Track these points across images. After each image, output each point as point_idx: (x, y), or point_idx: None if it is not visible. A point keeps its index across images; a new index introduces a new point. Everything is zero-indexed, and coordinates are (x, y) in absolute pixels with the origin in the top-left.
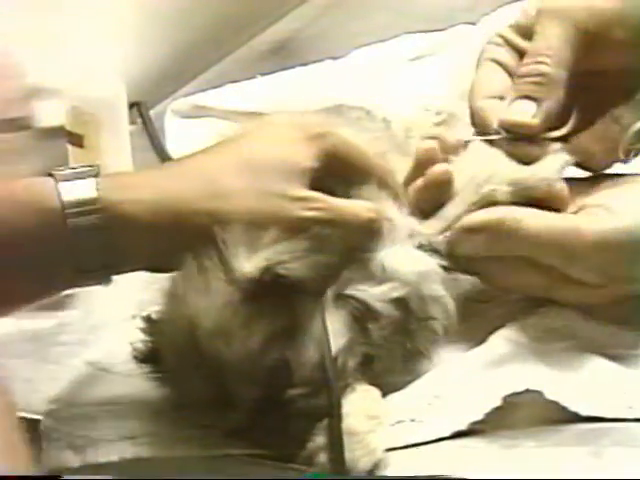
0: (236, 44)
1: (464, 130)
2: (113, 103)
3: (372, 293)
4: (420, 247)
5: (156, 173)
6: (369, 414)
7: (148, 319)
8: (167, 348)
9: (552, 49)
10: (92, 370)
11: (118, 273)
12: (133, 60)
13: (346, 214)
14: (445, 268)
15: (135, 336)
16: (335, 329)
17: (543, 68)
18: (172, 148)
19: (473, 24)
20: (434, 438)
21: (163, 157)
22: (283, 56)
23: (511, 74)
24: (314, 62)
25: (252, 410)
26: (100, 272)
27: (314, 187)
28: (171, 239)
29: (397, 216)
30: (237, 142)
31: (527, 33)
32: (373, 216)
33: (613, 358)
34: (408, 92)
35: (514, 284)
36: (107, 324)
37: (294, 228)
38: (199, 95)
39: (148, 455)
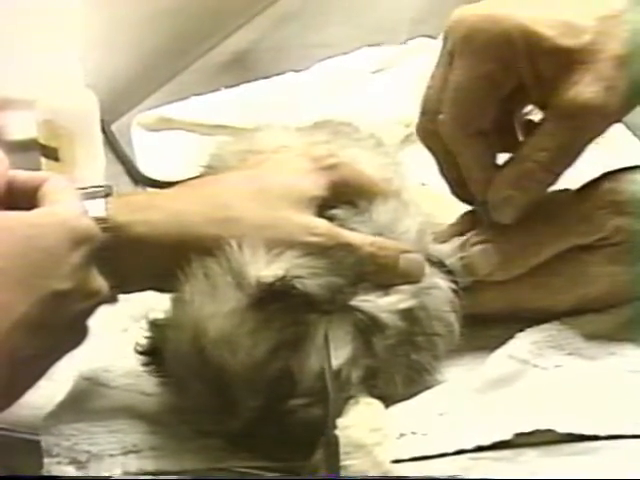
0: (195, 56)
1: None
2: (87, 116)
3: (378, 304)
4: (432, 264)
5: (166, 195)
6: (373, 426)
7: (153, 324)
8: (171, 352)
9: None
10: (87, 385)
11: (124, 292)
12: (94, 73)
13: (347, 244)
14: (454, 290)
15: (129, 349)
16: (339, 341)
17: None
18: (140, 161)
19: (432, 37)
20: (439, 453)
21: (131, 170)
22: (242, 68)
23: (496, 94)
24: (276, 74)
25: (253, 418)
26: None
27: (325, 215)
28: (178, 260)
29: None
30: (251, 170)
31: (539, 58)
32: (374, 251)
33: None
34: (373, 104)
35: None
36: (99, 338)
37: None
38: (165, 108)
39: (152, 469)
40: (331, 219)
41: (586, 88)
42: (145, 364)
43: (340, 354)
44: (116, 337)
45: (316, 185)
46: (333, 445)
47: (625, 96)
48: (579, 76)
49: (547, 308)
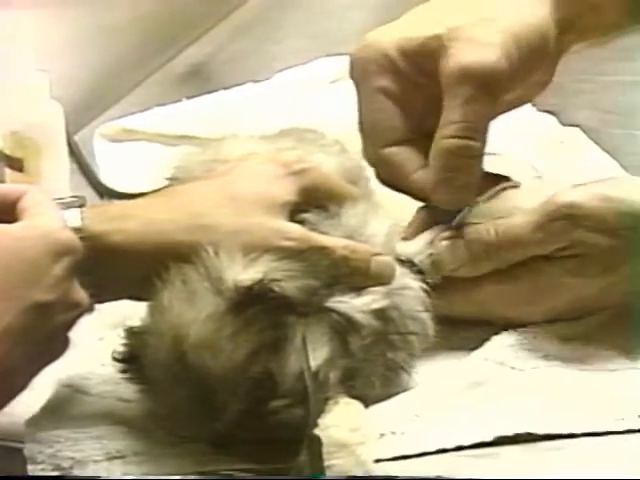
0: (154, 68)
1: None
2: (52, 127)
3: (353, 305)
4: (402, 263)
5: (140, 205)
6: (355, 426)
7: (130, 331)
8: (150, 359)
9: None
10: (67, 392)
11: (101, 302)
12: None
13: (321, 248)
14: (425, 290)
15: (106, 357)
16: (316, 342)
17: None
18: (103, 172)
19: None
20: (419, 452)
21: (94, 182)
22: (200, 79)
23: (401, 107)
24: (236, 85)
25: (235, 421)
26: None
27: (296, 219)
28: (154, 269)
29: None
30: (221, 178)
31: (414, 59)
32: (347, 254)
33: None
34: (332, 113)
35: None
36: (76, 346)
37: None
38: (127, 119)
39: (137, 474)
40: (302, 223)
41: (461, 55)
42: (123, 371)
43: (318, 355)
44: (93, 345)
45: (287, 190)
46: (316, 445)
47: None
48: (453, 49)
49: (516, 318)
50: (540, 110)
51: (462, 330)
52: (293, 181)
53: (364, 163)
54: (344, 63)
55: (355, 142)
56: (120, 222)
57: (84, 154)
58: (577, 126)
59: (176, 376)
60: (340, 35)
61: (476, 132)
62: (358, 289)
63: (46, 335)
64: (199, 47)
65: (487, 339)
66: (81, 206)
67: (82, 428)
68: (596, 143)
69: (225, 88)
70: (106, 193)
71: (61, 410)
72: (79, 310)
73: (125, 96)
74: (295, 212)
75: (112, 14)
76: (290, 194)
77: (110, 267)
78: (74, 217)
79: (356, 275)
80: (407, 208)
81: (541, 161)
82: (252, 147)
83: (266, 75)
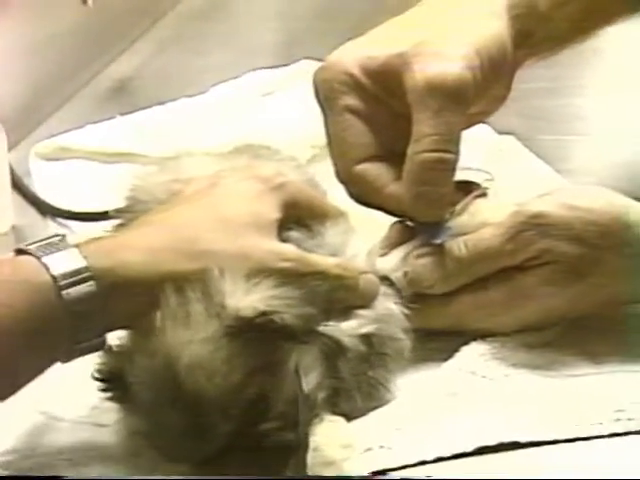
0: (80, 84)
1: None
2: None
3: (341, 329)
4: (381, 280)
5: (134, 235)
6: (343, 443)
7: (110, 351)
8: (139, 377)
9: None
10: (43, 419)
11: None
12: None
13: (316, 268)
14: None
15: (79, 382)
16: (308, 366)
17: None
18: (41, 191)
19: (318, 59)
20: (401, 465)
21: (36, 202)
22: (128, 94)
23: (369, 124)
24: (170, 100)
25: (224, 442)
26: (96, 339)
27: (281, 237)
28: (156, 298)
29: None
30: (206, 197)
31: (378, 77)
32: (341, 272)
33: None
34: (270, 126)
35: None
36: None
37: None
38: (62, 136)
39: None
40: (286, 241)
41: (427, 69)
42: (104, 390)
43: (310, 379)
44: (65, 370)
45: (272, 207)
46: (301, 464)
47: (468, 63)
48: (417, 65)
49: (488, 328)
50: None
51: (431, 342)
52: (275, 196)
53: (316, 179)
54: (273, 76)
55: (303, 156)
56: (122, 255)
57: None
58: (511, 134)
59: (167, 396)
60: (264, 47)
61: (449, 143)
62: (345, 313)
63: None
64: (125, 61)
65: (457, 350)
66: (65, 244)
67: (59, 455)
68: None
69: (160, 103)
70: (50, 212)
71: (38, 437)
72: None
73: (54, 113)
74: (280, 230)
75: (37, 28)
76: (275, 211)
77: (117, 301)
78: (75, 258)
79: (346, 294)
80: (372, 224)
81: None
82: (212, 165)
83: (195, 89)
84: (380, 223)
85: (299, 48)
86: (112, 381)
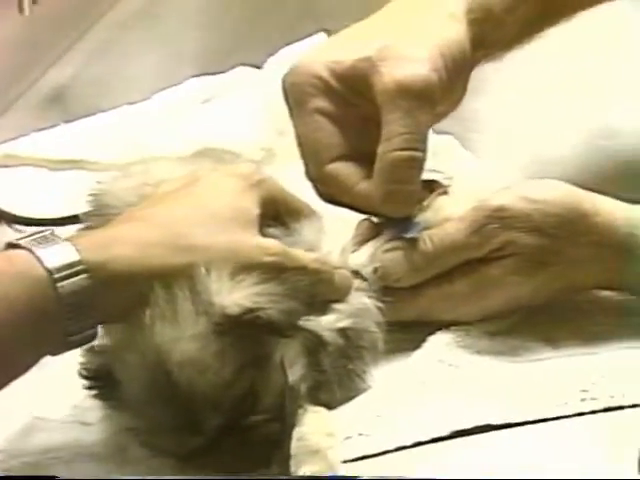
0: (18, 92)
1: (282, 166)
2: None
3: (321, 323)
4: (354, 275)
5: (125, 229)
6: (327, 432)
7: (93, 350)
8: (129, 375)
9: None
10: (30, 420)
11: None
12: None
13: (299, 263)
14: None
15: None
16: (292, 359)
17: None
18: None
19: (256, 66)
20: (380, 451)
21: None
22: (65, 103)
23: (338, 125)
24: (112, 108)
25: (215, 435)
26: (87, 331)
27: (262, 233)
28: (147, 292)
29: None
30: (191, 193)
31: (346, 80)
32: (318, 267)
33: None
34: (215, 132)
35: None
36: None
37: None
38: (9, 144)
39: None
40: (266, 237)
41: (395, 72)
42: (90, 388)
43: (294, 371)
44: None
45: (253, 203)
46: (286, 454)
47: (433, 65)
48: (385, 68)
49: (454, 319)
50: None
51: (399, 333)
52: (255, 193)
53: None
54: (212, 83)
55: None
56: (114, 249)
57: None
58: (450, 134)
59: (158, 392)
60: (200, 53)
61: (419, 142)
62: (324, 307)
63: None
64: (60, 69)
65: (424, 340)
66: (54, 237)
67: (47, 454)
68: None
69: (102, 111)
70: (5, 218)
71: (25, 438)
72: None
73: None
74: (260, 226)
75: None
76: (256, 207)
77: (111, 296)
78: (69, 251)
79: (325, 288)
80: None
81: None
82: (177, 169)
83: (131, 97)
84: (346, 221)
85: (233, 54)
86: (99, 379)
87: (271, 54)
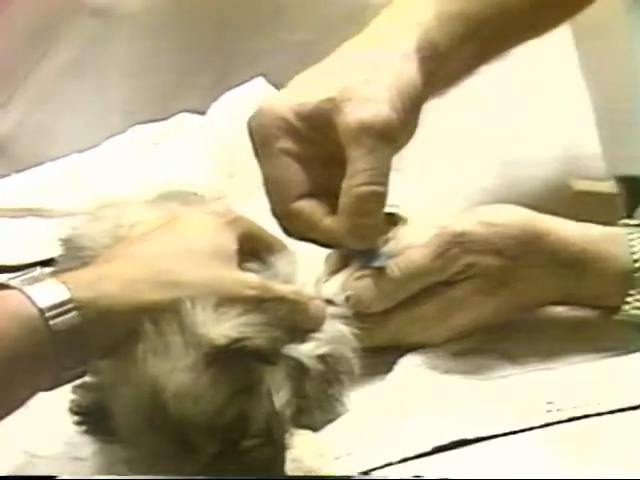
0: None
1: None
2: None
3: (301, 351)
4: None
5: (110, 267)
6: (318, 452)
7: (85, 386)
8: (122, 408)
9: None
10: (24, 457)
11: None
12: None
13: (277, 294)
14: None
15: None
16: (278, 385)
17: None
18: None
19: (196, 112)
20: (369, 469)
21: None
22: (8, 153)
23: (302, 164)
24: (61, 157)
25: (210, 461)
26: (79, 368)
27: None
28: (133, 328)
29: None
30: (171, 231)
31: (310, 121)
32: (296, 298)
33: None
34: (168, 173)
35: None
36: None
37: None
38: None
39: None
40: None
41: (358, 112)
42: (81, 423)
43: (280, 397)
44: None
45: (231, 239)
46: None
47: (392, 105)
48: (348, 108)
49: (422, 341)
50: None
51: (370, 357)
52: (232, 229)
53: None
54: (156, 129)
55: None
56: (101, 286)
57: None
58: None
59: (155, 423)
60: (137, 102)
61: (382, 177)
62: (303, 336)
63: None
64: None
65: (394, 362)
66: (43, 276)
67: None
68: None
69: (51, 160)
70: None
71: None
72: None
73: None
74: (239, 261)
75: None
76: (234, 243)
77: (101, 331)
78: (60, 290)
79: (301, 317)
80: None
81: None
82: (148, 211)
83: (75, 146)
84: (313, 255)
85: (169, 102)
86: (91, 414)
87: (214, 99)
